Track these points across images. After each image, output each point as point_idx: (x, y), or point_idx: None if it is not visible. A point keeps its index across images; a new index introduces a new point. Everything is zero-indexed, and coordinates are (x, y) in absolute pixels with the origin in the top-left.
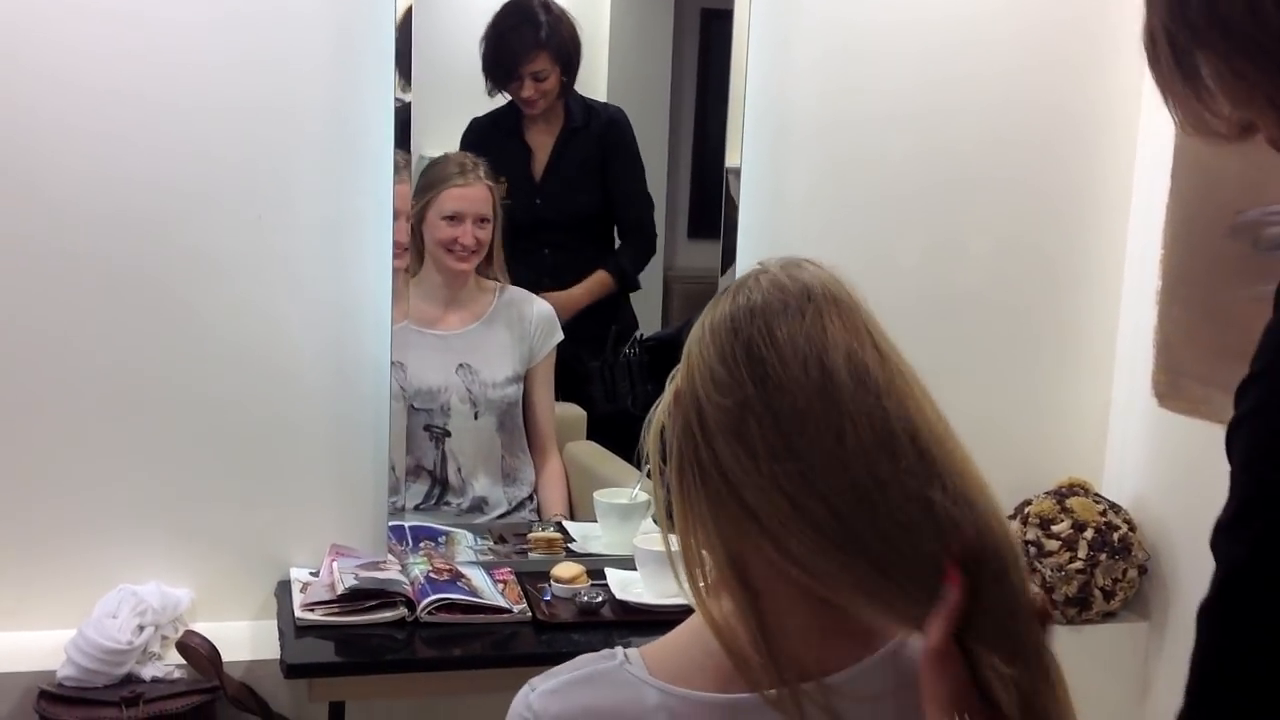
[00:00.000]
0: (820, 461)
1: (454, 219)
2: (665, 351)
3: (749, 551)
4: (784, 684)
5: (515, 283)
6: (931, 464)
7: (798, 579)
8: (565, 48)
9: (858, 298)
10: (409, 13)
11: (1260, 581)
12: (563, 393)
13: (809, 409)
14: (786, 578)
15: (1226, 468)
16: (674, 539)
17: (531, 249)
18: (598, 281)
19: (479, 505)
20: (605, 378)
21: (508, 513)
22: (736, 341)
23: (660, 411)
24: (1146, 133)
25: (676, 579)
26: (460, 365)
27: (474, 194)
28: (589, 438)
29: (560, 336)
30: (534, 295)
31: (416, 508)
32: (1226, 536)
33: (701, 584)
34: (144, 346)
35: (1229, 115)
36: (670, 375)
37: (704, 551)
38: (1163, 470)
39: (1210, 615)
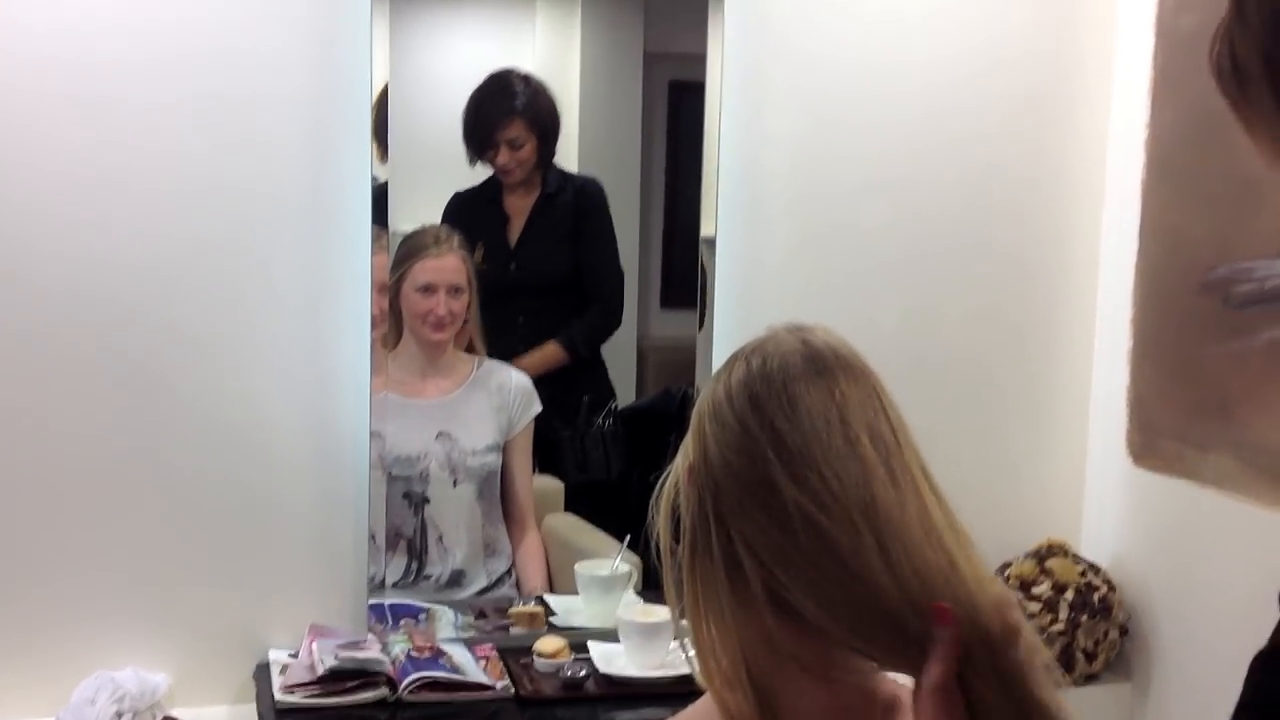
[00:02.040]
0: (844, 529)
1: (428, 290)
2: (641, 422)
3: (765, 636)
4: None
5: (491, 350)
6: (941, 537)
7: (811, 662)
8: (541, 117)
9: (865, 361)
10: (385, 90)
11: None
12: (540, 464)
13: (834, 480)
14: (800, 664)
15: (1204, 526)
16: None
17: (506, 316)
18: (547, 353)
19: (458, 578)
20: (578, 448)
21: (487, 588)
22: (752, 411)
23: (669, 487)
24: (1114, 195)
25: (689, 664)
26: (440, 433)
27: (446, 264)
28: (567, 509)
29: (539, 408)
30: (511, 366)
31: (395, 584)
32: None
33: (714, 668)
34: (121, 427)
35: None
36: (681, 449)
37: (717, 637)
38: (1141, 529)
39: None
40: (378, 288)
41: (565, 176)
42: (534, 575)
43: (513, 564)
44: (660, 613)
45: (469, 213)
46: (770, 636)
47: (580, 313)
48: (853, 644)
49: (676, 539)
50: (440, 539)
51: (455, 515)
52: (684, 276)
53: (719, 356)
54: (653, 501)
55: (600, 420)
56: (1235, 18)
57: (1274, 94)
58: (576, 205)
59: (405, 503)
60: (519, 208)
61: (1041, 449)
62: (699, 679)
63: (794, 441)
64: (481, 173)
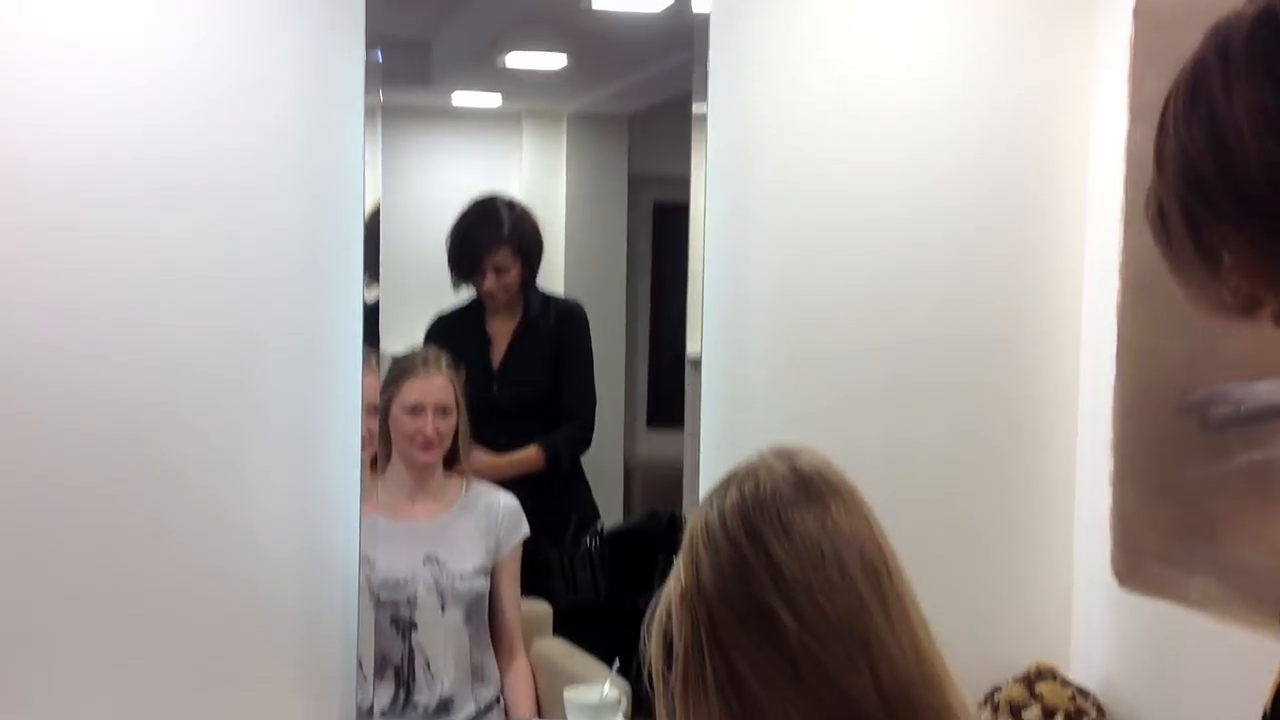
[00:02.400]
0: (838, 658)
1: (416, 410)
2: (629, 543)
3: None
4: None
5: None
6: (933, 667)
7: None
8: (527, 242)
9: (853, 485)
10: (376, 212)
11: None
12: (528, 587)
13: (830, 609)
14: None
15: (1191, 648)
16: None
17: (488, 435)
18: (529, 456)
19: (446, 706)
20: (566, 569)
21: (476, 715)
22: (747, 536)
23: (661, 612)
24: (1091, 318)
25: None
26: (427, 557)
27: (434, 385)
28: (556, 633)
29: (526, 531)
30: (500, 489)
31: (384, 712)
32: None
33: None
34: (108, 556)
35: (1241, 290)
36: (673, 573)
37: None
38: (1129, 652)
39: None
40: (367, 409)
41: (547, 299)
42: (523, 702)
43: (501, 690)
44: None
45: (451, 334)
46: None
47: (558, 429)
48: None
49: (669, 664)
50: (428, 665)
51: (443, 641)
52: (670, 396)
53: (705, 477)
54: (644, 626)
55: (587, 541)
56: (1157, 173)
57: (1192, 239)
58: (559, 328)
59: (393, 628)
60: (502, 330)
61: (1028, 572)
62: None
63: (789, 569)
64: (466, 292)
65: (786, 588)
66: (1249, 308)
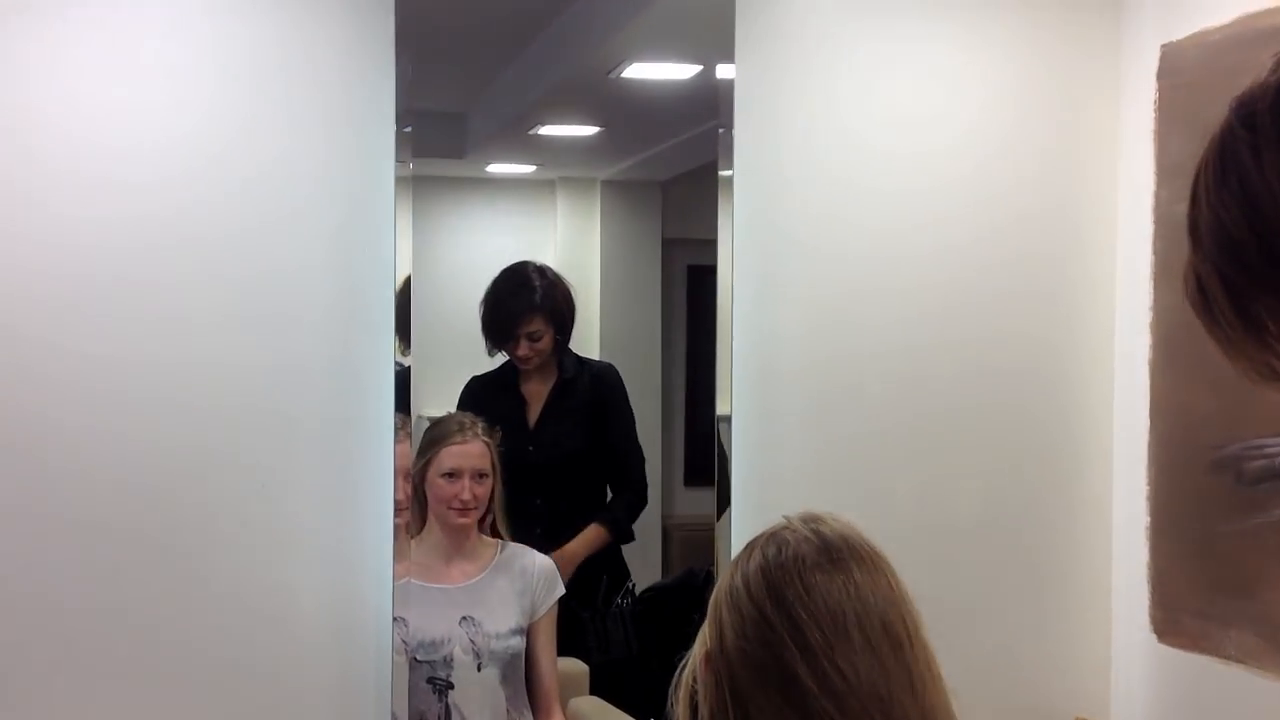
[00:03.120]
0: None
1: (452, 475)
2: (665, 601)
3: None
4: None
5: (513, 532)
6: None
7: None
8: (559, 309)
9: (877, 549)
10: (408, 281)
11: None
12: (562, 646)
13: (851, 674)
14: None
15: (1230, 701)
16: None
17: (524, 497)
18: (594, 534)
19: None
20: (598, 629)
21: None
22: (770, 600)
23: (688, 674)
24: (1123, 373)
25: None
26: (464, 618)
27: (471, 450)
28: (592, 692)
29: (562, 591)
30: (534, 550)
31: None
32: None
33: None
34: (146, 611)
35: None
36: (699, 635)
37: None
38: (1168, 705)
39: None
40: (401, 474)
41: (581, 361)
42: None
43: None
44: None
45: (486, 397)
46: None
47: (600, 493)
48: None
49: None
50: None
51: (480, 700)
52: (706, 455)
53: (738, 535)
54: (672, 687)
55: (619, 600)
56: (1193, 247)
57: (1235, 309)
58: (594, 389)
59: (429, 688)
60: (537, 392)
61: (1066, 626)
62: None
63: (812, 633)
64: (500, 357)
65: (808, 650)
66: None
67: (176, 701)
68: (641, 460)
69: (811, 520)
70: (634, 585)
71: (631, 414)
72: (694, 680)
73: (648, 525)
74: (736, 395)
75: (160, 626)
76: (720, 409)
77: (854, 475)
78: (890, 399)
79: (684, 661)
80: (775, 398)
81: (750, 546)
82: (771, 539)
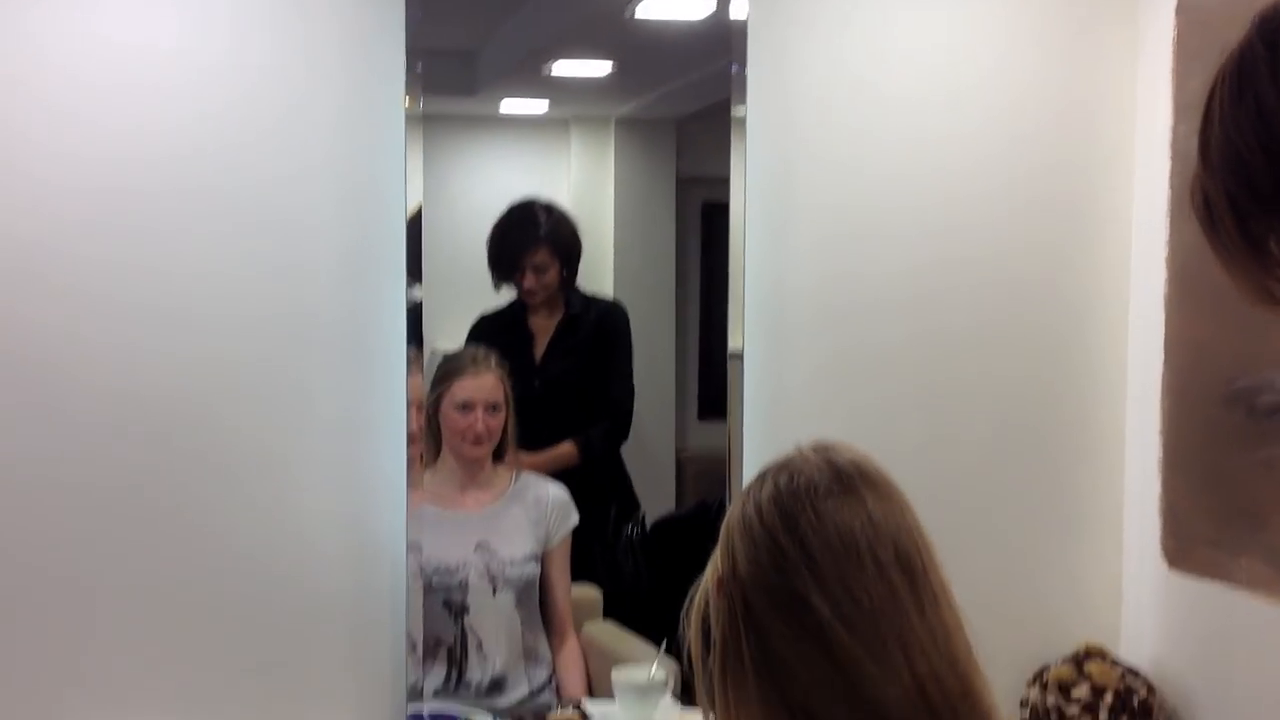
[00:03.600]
0: (872, 647)
1: (466, 408)
2: (677, 532)
3: None
4: None
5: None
6: (964, 661)
7: None
8: (564, 243)
9: (890, 477)
10: (418, 214)
11: None
12: (577, 573)
13: (864, 599)
14: None
15: (1241, 628)
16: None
17: (530, 430)
18: (562, 450)
19: (498, 685)
20: (608, 559)
21: (529, 696)
22: (783, 526)
23: (700, 599)
24: (1138, 308)
25: None
26: (478, 544)
27: (484, 383)
28: (606, 617)
29: (576, 520)
30: (549, 480)
31: (436, 692)
32: None
33: None
34: (162, 548)
35: None
36: (710, 562)
37: None
38: (1179, 632)
39: None
40: (414, 406)
41: (588, 299)
42: (574, 682)
43: (553, 672)
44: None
45: (494, 332)
46: None
47: (597, 422)
48: None
49: (707, 649)
50: (480, 646)
51: (495, 623)
52: (720, 389)
53: (749, 468)
54: (684, 613)
55: (629, 530)
56: (1201, 163)
57: (1239, 231)
58: (599, 326)
59: (445, 611)
60: (543, 327)
61: (1078, 554)
62: None
63: (823, 558)
64: (507, 294)
65: (820, 576)
66: None
67: (191, 628)
68: (630, 393)
69: (823, 449)
70: (644, 516)
71: (630, 350)
72: (706, 605)
73: (661, 457)
74: (748, 330)
75: (174, 555)
76: (733, 344)
77: (865, 409)
78: (901, 335)
79: (694, 588)
80: (787, 333)
81: (762, 474)
82: (784, 467)
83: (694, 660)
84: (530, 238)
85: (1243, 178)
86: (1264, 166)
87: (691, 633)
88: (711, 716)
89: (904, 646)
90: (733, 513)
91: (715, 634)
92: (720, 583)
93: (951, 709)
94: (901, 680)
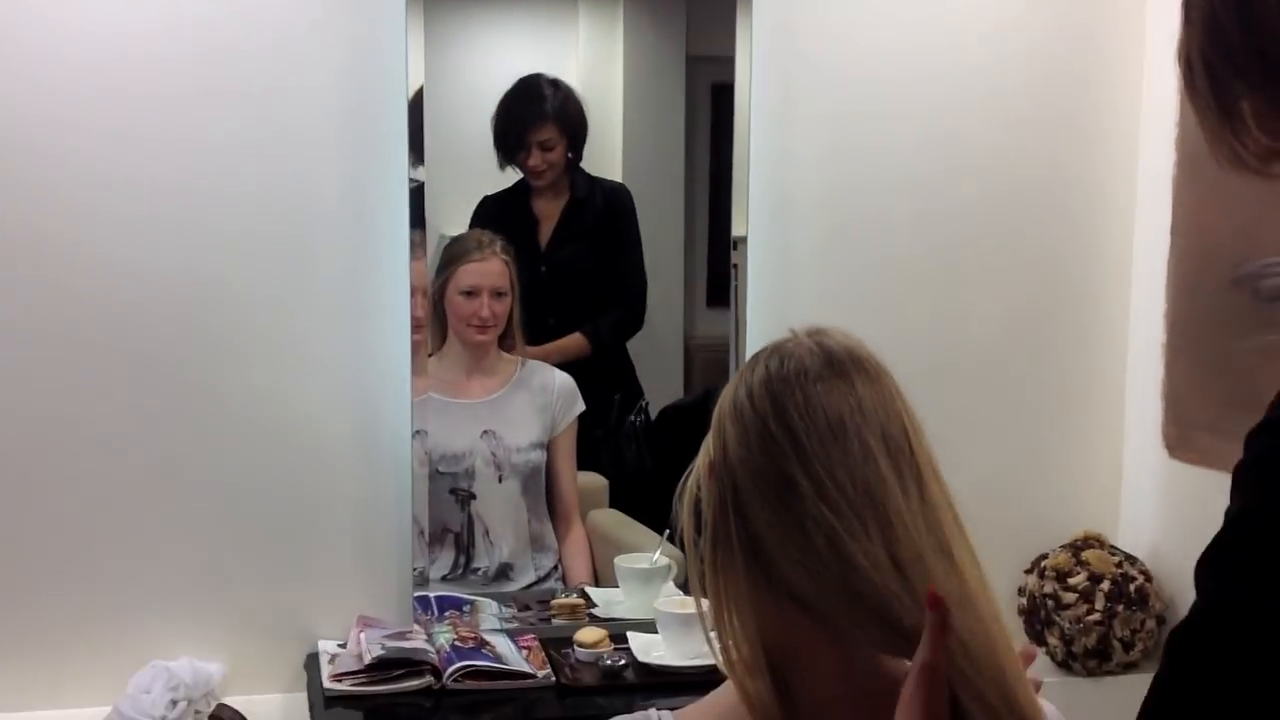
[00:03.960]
0: (854, 529)
1: (471, 293)
2: (684, 420)
3: (782, 625)
4: None
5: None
6: (951, 544)
7: (825, 650)
8: (572, 121)
9: (881, 362)
10: (420, 93)
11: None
12: (583, 461)
13: (848, 483)
14: (816, 649)
15: None
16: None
17: (536, 317)
18: (571, 342)
19: (505, 571)
20: (611, 446)
21: (535, 582)
22: (772, 411)
23: (692, 483)
24: (1145, 192)
25: (712, 651)
26: (485, 431)
27: (490, 268)
28: (611, 505)
29: (582, 407)
30: (555, 368)
31: (443, 578)
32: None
33: (735, 656)
34: (170, 429)
35: (1261, 147)
36: (703, 447)
37: (737, 625)
38: (1177, 521)
39: (1188, 643)
40: (419, 292)
41: (593, 181)
42: (579, 569)
43: (559, 558)
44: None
45: (499, 216)
46: (786, 625)
47: (607, 311)
48: (858, 637)
49: (698, 533)
50: (487, 533)
51: (501, 510)
52: (728, 276)
53: (751, 354)
54: (676, 497)
55: (633, 419)
56: (1184, 22)
57: (1214, 93)
58: (606, 209)
59: (452, 498)
60: (548, 211)
61: (1077, 442)
62: (721, 666)
63: (811, 442)
64: (511, 176)
65: (806, 459)
66: (1265, 165)
67: (205, 514)
68: (643, 284)
69: (816, 333)
70: (647, 404)
71: (639, 236)
72: (697, 489)
73: (669, 345)
74: (753, 217)
75: (180, 443)
76: (736, 230)
77: (868, 297)
78: (907, 219)
79: (689, 472)
80: (792, 219)
81: (754, 359)
82: (775, 351)
83: (686, 544)
84: (537, 113)
85: (1219, 43)
86: (1239, 34)
87: (684, 517)
88: (703, 600)
89: (885, 525)
90: (725, 397)
91: (706, 517)
92: (711, 467)
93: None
94: (880, 557)
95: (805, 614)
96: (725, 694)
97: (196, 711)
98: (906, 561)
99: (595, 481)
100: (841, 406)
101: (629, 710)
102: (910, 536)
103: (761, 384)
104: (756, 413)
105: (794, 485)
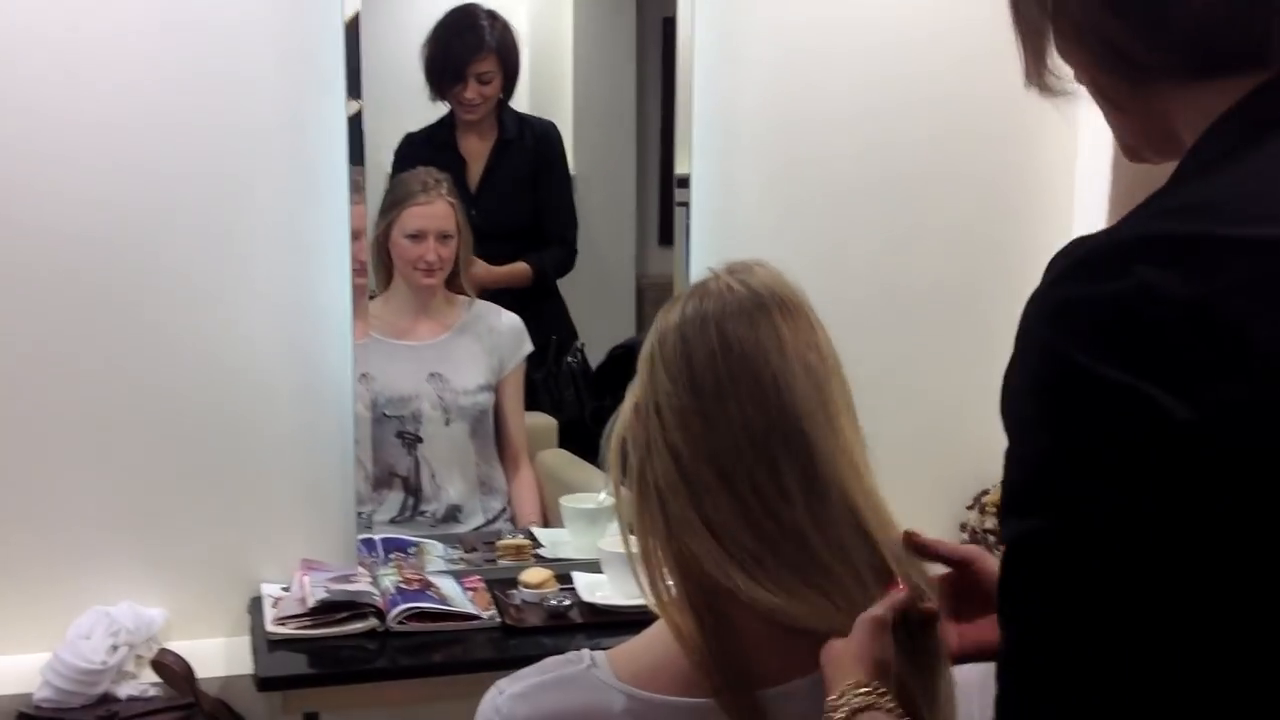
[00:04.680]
0: (772, 464)
1: (417, 237)
2: (634, 359)
3: (703, 563)
4: (737, 693)
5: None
6: (862, 474)
7: (745, 592)
8: (509, 53)
9: (804, 300)
10: (356, 20)
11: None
12: (530, 402)
13: (763, 414)
14: (736, 590)
15: None
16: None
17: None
18: (516, 270)
19: (453, 514)
20: (550, 388)
21: (485, 524)
22: (688, 351)
23: (620, 425)
24: (1086, 121)
25: (641, 590)
26: (431, 374)
27: (435, 211)
28: (561, 445)
29: (530, 348)
30: (502, 309)
31: (392, 520)
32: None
33: (665, 595)
34: (110, 368)
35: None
36: (629, 389)
37: (662, 562)
38: None
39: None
40: (360, 235)
41: (522, 120)
42: (528, 510)
43: (509, 500)
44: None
45: (423, 156)
46: (711, 562)
47: (538, 251)
48: (778, 574)
49: (624, 473)
50: (434, 476)
51: (449, 453)
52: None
53: None
54: (603, 439)
55: (570, 360)
56: None
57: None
58: (536, 150)
59: (399, 441)
60: (476, 152)
61: None
62: (651, 604)
63: (728, 381)
64: (442, 111)
65: (723, 396)
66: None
67: (146, 457)
68: (574, 224)
69: (737, 270)
70: (583, 345)
71: (569, 175)
72: (625, 430)
73: (620, 283)
74: (696, 153)
75: (121, 388)
76: (681, 168)
77: (815, 233)
78: (852, 151)
79: (615, 415)
80: (736, 155)
81: (674, 301)
82: (694, 292)
83: (614, 486)
84: (478, 42)
85: None
86: None
87: (611, 457)
88: (632, 540)
89: (806, 466)
90: (648, 339)
91: (632, 459)
92: (636, 408)
93: (850, 523)
94: (794, 484)
95: (724, 549)
96: (658, 631)
97: (138, 657)
98: (819, 486)
99: (544, 422)
100: (759, 343)
101: (575, 649)
102: (825, 463)
103: (680, 325)
104: (678, 353)
105: (713, 423)
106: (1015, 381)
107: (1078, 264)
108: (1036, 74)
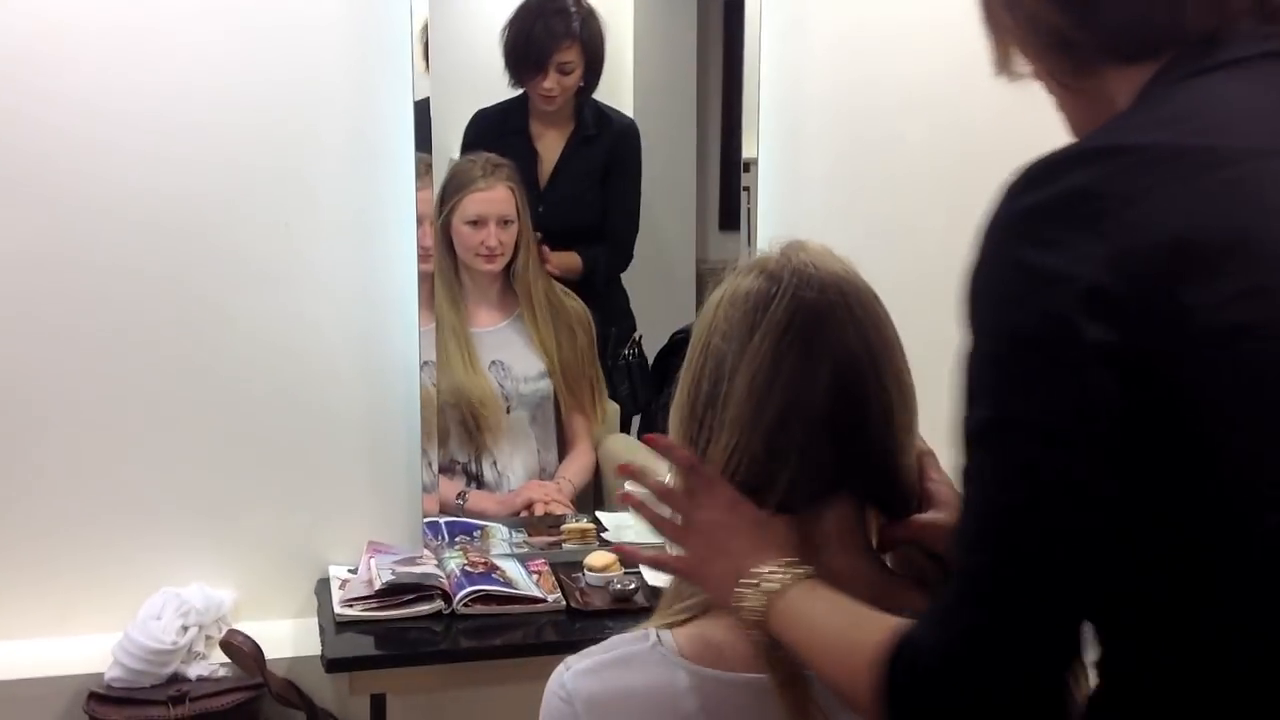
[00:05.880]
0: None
1: (477, 223)
2: None
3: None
4: (797, 668)
5: None
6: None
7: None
8: (594, 42)
9: (859, 280)
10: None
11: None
12: None
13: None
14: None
15: None
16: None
17: None
18: (569, 259)
19: None
20: (606, 381)
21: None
22: (738, 331)
23: (673, 412)
24: None
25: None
26: (493, 362)
27: (496, 196)
28: (623, 430)
29: (591, 336)
30: (567, 292)
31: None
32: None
33: None
34: (182, 356)
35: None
36: (684, 365)
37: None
38: None
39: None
40: (426, 220)
41: (603, 115)
42: (572, 474)
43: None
44: None
45: (494, 140)
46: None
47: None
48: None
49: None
50: (495, 463)
51: (510, 440)
52: (739, 198)
53: None
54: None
55: (625, 353)
56: None
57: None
58: (612, 149)
59: (461, 430)
60: (550, 145)
61: None
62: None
63: (787, 361)
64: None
65: (771, 378)
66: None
67: (219, 443)
68: (636, 227)
69: (794, 248)
70: (640, 337)
71: (639, 177)
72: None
73: (682, 270)
74: (763, 137)
75: (193, 376)
76: (747, 152)
77: (881, 218)
78: (920, 137)
79: (670, 391)
80: (803, 139)
81: (722, 280)
82: (749, 270)
83: (671, 458)
84: (562, 30)
85: None
86: None
87: (672, 426)
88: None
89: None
90: (703, 318)
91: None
92: (698, 347)
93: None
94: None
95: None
96: (722, 610)
97: (208, 637)
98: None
99: (609, 407)
100: (820, 323)
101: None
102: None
103: (729, 303)
104: (725, 337)
105: (765, 403)
106: (971, 286)
107: (1020, 181)
108: (1004, 64)
